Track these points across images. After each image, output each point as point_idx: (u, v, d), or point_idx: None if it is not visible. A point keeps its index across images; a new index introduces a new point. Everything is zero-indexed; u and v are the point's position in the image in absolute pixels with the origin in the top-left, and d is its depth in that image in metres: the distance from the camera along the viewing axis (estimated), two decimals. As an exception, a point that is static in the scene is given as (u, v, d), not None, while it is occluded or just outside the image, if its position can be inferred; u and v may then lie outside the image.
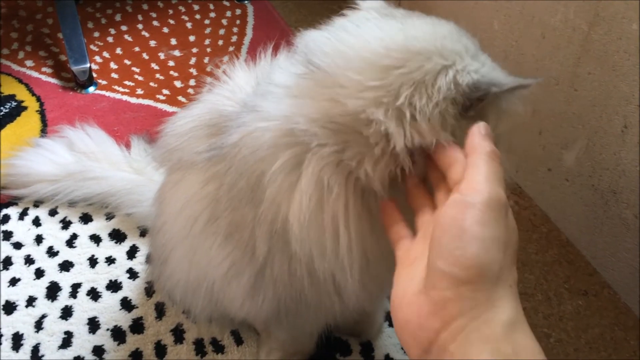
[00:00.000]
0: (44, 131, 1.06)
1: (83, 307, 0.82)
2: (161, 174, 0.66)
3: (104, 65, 1.22)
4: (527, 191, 1.01)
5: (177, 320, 0.81)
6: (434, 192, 0.43)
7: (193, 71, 1.22)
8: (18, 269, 0.87)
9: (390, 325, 0.82)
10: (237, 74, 0.59)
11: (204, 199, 0.54)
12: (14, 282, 0.85)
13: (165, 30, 1.32)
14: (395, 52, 0.42)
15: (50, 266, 0.87)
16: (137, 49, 1.27)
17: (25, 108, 1.11)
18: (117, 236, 0.91)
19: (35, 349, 0.78)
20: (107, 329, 0.80)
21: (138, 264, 0.88)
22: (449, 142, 0.41)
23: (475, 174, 0.37)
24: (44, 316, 0.81)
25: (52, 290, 0.84)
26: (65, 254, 0.89)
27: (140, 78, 1.20)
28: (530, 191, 1.01)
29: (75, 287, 0.85)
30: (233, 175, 0.48)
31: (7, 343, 0.78)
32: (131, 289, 0.85)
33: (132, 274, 0.86)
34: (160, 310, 0.82)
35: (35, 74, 1.19)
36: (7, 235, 0.91)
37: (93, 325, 0.81)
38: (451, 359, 0.34)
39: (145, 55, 1.25)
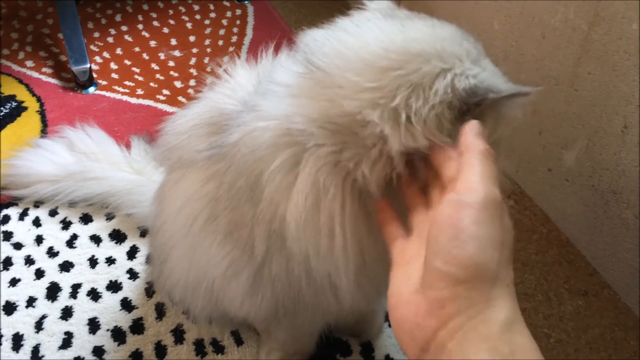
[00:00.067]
0: (44, 131, 1.06)
1: (83, 307, 0.83)
2: (161, 174, 0.67)
3: (104, 66, 1.22)
4: (527, 191, 1.01)
5: (177, 320, 0.81)
6: (428, 190, 0.43)
7: (193, 71, 1.22)
8: (18, 269, 0.87)
9: (390, 325, 0.82)
10: (238, 72, 0.59)
11: (204, 198, 0.54)
12: (14, 282, 0.85)
13: (166, 30, 1.32)
14: (393, 53, 0.42)
15: (51, 266, 0.87)
16: (137, 49, 1.27)
17: (25, 108, 1.11)
18: (118, 236, 0.91)
19: (36, 350, 0.78)
20: (107, 330, 0.80)
21: (138, 264, 0.88)
22: (441, 142, 0.41)
23: (470, 173, 0.37)
24: (44, 317, 0.81)
25: (52, 291, 0.84)
26: (66, 254, 0.89)
27: (140, 78, 1.20)
28: (531, 191, 1.01)
29: (76, 288, 0.85)
30: (233, 174, 0.48)
31: (7, 343, 0.78)
32: (131, 290, 0.85)
33: (132, 274, 0.86)
34: (160, 311, 0.82)
35: (35, 75, 1.19)
36: (8, 235, 0.91)
37: (93, 325, 0.81)
38: (449, 358, 0.34)
39: (145, 56, 1.25)
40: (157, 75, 1.21)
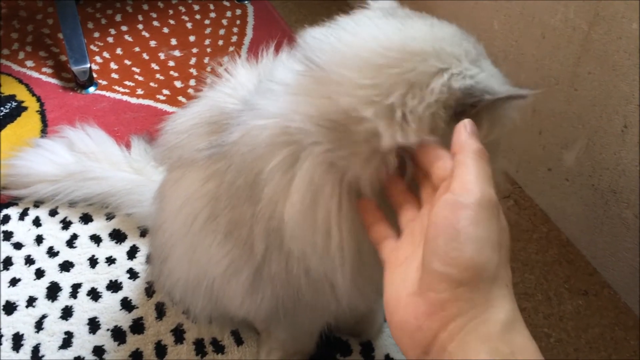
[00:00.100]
0: (44, 131, 1.06)
1: (83, 307, 0.83)
2: (161, 174, 0.67)
3: (104, 66, 1.22)
4: (527, 191, 1.01)
5: (178, 320, 0.81)
6: (419, 190, 0.42)
7: (193, 71, 1.22)
8: (18, 269, 0.87)
9: (386, 320, 0.82)
10: (239, 71, 0.59)
11: (204, 197, 0.54)
12: (14, 282, 0.85)
13: (166, 30, 1.32)
14: (390, 51, 0.41)
15: (51, 266, 0.87)
16: (137, 49, 1.27)
17: (25, 108, 1.11)
18: (118, 236, 0.91)
19: (36, 349, 0.78)
20: (108, 329, 0.80)
21: (138, 264, 0.88)
22: (432, 141, 0.40)
23: (465, 174, 0.37)
24: (44, 316, 0.81)
25: (53, 291, 0.84)
26: (66, 254, 0.89)
27: (140, 78, 1.20)
28: (531, 191, 1.01)
29: (76, 288, 0.85)
30: (232, 173, 0.49)
31: (8, 343, 0.78)
32: (131, 289, 0.85)
33: (133, 274, 0.86)
34: (160, 311, 0.82)
35: (35, 74, 1.19)
36: (8, 235, 0.91)
37: (93, 325, 0.81)
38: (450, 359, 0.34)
39: (145, 56, 1.25)
40: (157, 75, 1.21)
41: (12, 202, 0.95)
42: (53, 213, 0.94)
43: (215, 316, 0.72)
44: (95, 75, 1.18)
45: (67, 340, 0.79)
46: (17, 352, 0.78)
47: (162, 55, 1.26)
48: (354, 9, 0.48)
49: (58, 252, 0.89)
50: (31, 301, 0.83)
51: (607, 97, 0.79)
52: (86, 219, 0.93)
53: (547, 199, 0.98)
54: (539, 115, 0.92)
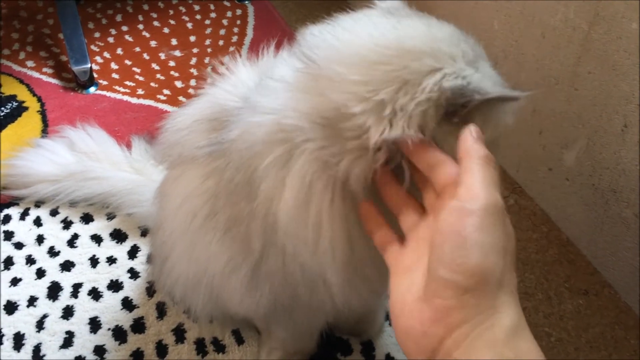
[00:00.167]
0: (44, 131, 1.06)
1: (84, 306, 0.83)
2: (162, 173, 0.67)
3: (104, 66, 1.22)
4: (527, 191, 1.01)
5: (178, 320, 0.81)
6: (422, 194, 0.42)
7: (194, 71, 1.22)
8: (19, 269, 0.87)
9: (391, 324, 0.82)
10: (240, 68, 0.59)
11: (204, 194, 0.54)
12: (15, 282, 0.85)
13: (166, 30, 1.32)
14: (384, 48, 0.41)
15: (52, 266, 0.87)
16: (137, 49, 1.27)
17: (26, 108, 1.11)
18: (118, 236, 0.91)
19: (37, 349, 0.78)
20: (109, 329, 0.80)
21: (139, 263, 0.88)
22: (428, 143, 0.40)
23: (471, 180, 0.37)
24: (45, 316, 0.81)
25: (53, 290, 0.84)
26: (67, 254, 0.89)
27: (141, 78, 1.20)
28: (531, 191, 1.01)
29: (77, 287, 0.85)
30: (231, 171, 0.49)
31: (9, 343, 0.78)
32: (132, 289, 0.85)
33: (133, 273, 0.87)
34: (161, 310, 0.82)
35: (36, 75, 1.19)
36: (9, 235, 0.91)
37: (94, 325, 0.81)
38: None
39: (146, 56, 1.25)
40: (158, 75, 1.21)
41: (13, 202, 0.95)
42: (54, 213, 0.94)
43: (215, 315, 0.72)
44: (95, 75, 1.18)
45: (68, 340, 0.79)
46: (18, 351, 0.78)
47: (162, 56, 1.26)
48: (354, 8, 0.48)
49: (59, 251, 0.89)
50: (32, 301, 0.83)
51: (607, 97, 0.79)
52: (87, 218, 0.93)
53: (548, 198, 0.98)
54: (539, 115, 0.92)
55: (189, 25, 1.34)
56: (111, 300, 0.83)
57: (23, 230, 0.92)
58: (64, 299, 0.83)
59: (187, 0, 1.41)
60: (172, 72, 1.22)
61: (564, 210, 0.94)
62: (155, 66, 1.23)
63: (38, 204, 0.95)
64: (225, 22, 1.36)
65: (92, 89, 1.16)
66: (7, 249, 0.89)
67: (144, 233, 0.91)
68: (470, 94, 0.40)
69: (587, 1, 0.77)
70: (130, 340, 0.79)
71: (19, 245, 0.90)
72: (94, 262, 0.88)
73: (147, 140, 0.97)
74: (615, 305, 0.87)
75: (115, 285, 0.85)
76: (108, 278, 0.86)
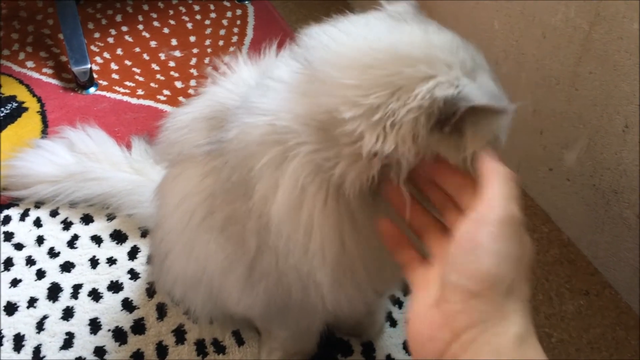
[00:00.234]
0: (44, 132, 1.06)
1: (84, 307, 0.83)
2: (161, 173, 0.67)
3: (104, 66, 1.22)
4: (528, 191, 1.01)
5: (179, 320, 0.81)
6: (443, 214, 0.42)
7: (194, 72, 1.22)
8: (19, 270, 0.87)
9: (391, 325, 0.82)
10: (241, 67, 0.59)
11: (203, 193, 0.54)
12: (15, 283, 0.85)
13: (166, 30, 1.32)
14: (378, 52, 0.41)
15: (52, 267, 0.87)
16: (137, 49, 1.27)
17: (26, 109, 1.11)
18: (118, 237, 0.91)
19: (37, 350, 0.78)
20: (109, 330, 0.80)
21: (139, 264, 0.88)
22: (451, 165, 0.40)
23: (491, 194, 0.37)
24: (45, 317, 0.81)
25: (53, 291, 0.84)
26: (67, 254, 0.89)
27: (140, 79, 1.20)
28: (531, 191, 1.01)
29: (77, 288, 0.85)
30: (228, 170, 0.49)
31: (9, 344, 0.78)
32: (132, 290, 0.85)
33: (133, 274, 0.86)
34: (161, 311, 0.82)
35: (36, 75, 1.19)
36: (8, 236, 0.91)
37: (94, 326, 0.81)
38: None
39: (145, 56, 1.25)
40: (158, 76, 1.21)
41: (12, 203, 0.95)
42: (54, 214, 0.94)
43: (215, 315, 0.72)
44: (95, 75, 1.18)
45: (68, 341, 0.79)
46: (19, 352, 0.78)
47: (162, 56, 1.25)
48: (354, 8, 0.48)
49: (59, 252, 0.89)
50: (32, 302, 0.83)
51: (608, 97, 0.79)
52: (87, 219, 0.93)
53: (548, 199, 0.97)
54: (539, 115, 0.92)
55: (189, 25, 1.34)
56: (111, 301, 0.83)
57: (23, 231, 0.91)
58: (64, 300, 0.83)
59: (187, 1, 1.41)
60: (172, 73, 1.21)
61: (564, 211, 0.94)
62: (155, 66, 1.23)
63: (38, 205, 0.94)
64: (225, 22, 1.36)
65: (92, 90, 1.16)
66: (7, 250, 0.89)
67: (144, 234, 0.91)
68: (457, 102, 0.39)
69: (587, 1, 0.76)
70: (130, 341, 0.79)
71: (19, 246, 0.89)
72: (94, 263, 0.88)
73: (147, 140, 0.97)
74: (616, 305, 0.87)
75: (115, 286, 0.85)
76: (108, 279, 0.86)
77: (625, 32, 0.73)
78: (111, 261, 0.88)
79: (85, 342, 0.79)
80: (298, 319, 0.62)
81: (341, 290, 0.48)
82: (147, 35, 1.30)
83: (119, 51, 1.26)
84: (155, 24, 1.34)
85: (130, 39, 1.29)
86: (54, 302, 0.83)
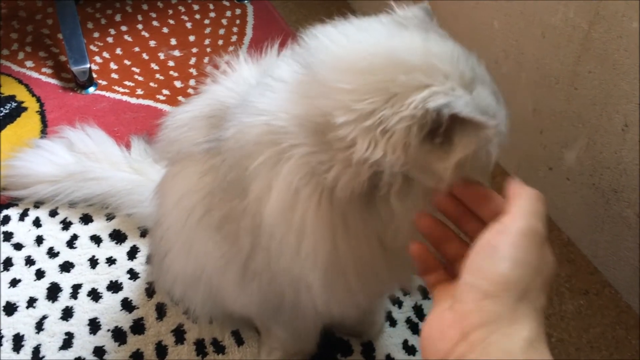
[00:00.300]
0: (44, 132, 1.06)
1: (84, 307, 0.82)
2: (160, 173, 0.67)
3: (103, 66, 1.22)
4: (527, 190, 1.01)
5: (178, 320, 0.81)
6: (465, 227, 0.43)
7: (193, 71, 1.22)
8: (18, 270, 0.86)
9: (391, 325, 0.82)
10: (242, 66, 0.59)
11: (201, 191, 0.55)
12: (14, 283, 0.85)
13: (165, 30, 1.32)
14: (375, 57, 0.40)
15: (51, 267, 0.87)
16: (137, 49, 1.27)
17: (25, 109, 1.11)
18: (118, 237, 0.91)
19: (36, 350, 0.78)
20: (108, 330, 0.80)
21: (139, 264, 0.88)
22: (472, 180, 0.41)
23: (516, 207, 0.38)
24: (44, 317, 0.81)
25: (53, 291, 0.84)
26: (66, 254, 0.89)
27: (140, 78, 1.20)
28: (531, 190, 1.01)
29: (76, 288, 0.85)
30: (225, 168, 0.49)
31: (8, 344, 0.78)
32: (132, 290, 0.85)
33: (133, 274, 0.86)
34: (161, 311, 0.82)
35: (35, 75, 1.19)
36: (8, 236, 0.91)
37: (94, 326, 0.81)
38: None
39: (145, 56, 1.25)
40: (157, 75, 1.21)
41: (12, 203, 0.95)
42: (53, 214, 0.94)
43: (215, 314, 0.72)
44: (95, 75, 1.18)
45: (68, 341, 0.79)
46: (18, 352, 0.77)
47: (161, 55, 1.25)
48: (354, 8, 0.48)
49: (58, 252, 0.89)
50: (31, 302, 0.83)
51: (608, 96, 0.79)
52: (86, 219, 0.93)
53: (548, 198, 0.97)
54: (539, 114, 0.92)
55: (188, 25, 1.34)
56: (111, 301, 0.83)
57: (22, 231, 0.91)
58: (64, 300, 0.83)
59: (186, 0, 1.41)
60: (171, 72, 1.21)
61: (564, 210, 0.94)
62: (154, 66, 1.23)
63: (37, 205, 0.94)
64: (224, 21, 1.36)
65: (91, 89, 1.16)
66: (7, 249, 0.89)
67: (144, 234, 0.91)
68: (443, 110, 0.38)
69: (587, 0, 0.76)
70: (129, 341, 0.79)
71: (18, 246, 0.89)
72: (93, 262, 0.88)
73: (146, 140, 0.97)
74: (616, 305, 0.87)
75: (114, 286, 0.85)
76: (107, 279, 0.86)
77: (625, 31, 0.73)
78: (110, 261, 0.88)
79: (84, 342, 0.79)
80: (292, 319, 0.62)
81: (332, 294, 0.49)
82: (147, 34, 1.30)
83: (118, 51, 1.26)
84: (155, 23, 1.34)
85: (129, 39, 1.29)
86: (53, 302, 0.83)
